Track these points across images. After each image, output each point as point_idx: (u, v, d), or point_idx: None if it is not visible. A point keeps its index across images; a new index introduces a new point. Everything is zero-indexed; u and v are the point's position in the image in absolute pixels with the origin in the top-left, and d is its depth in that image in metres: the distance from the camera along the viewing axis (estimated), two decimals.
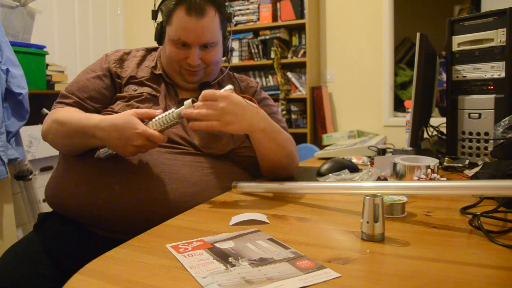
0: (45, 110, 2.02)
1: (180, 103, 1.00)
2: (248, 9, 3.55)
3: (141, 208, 0.85)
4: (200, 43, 1.00)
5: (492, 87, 1.18)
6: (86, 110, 1.00)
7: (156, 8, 1.04)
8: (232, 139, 1.01)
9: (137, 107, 0.98)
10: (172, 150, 0.94)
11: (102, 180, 0.88)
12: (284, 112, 3.41)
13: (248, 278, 0.49)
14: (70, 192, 0.90)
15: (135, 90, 1.02)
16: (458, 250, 0.57)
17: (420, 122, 1.25)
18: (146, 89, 1.03)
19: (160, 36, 1.06)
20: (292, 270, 0.51)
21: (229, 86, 0.88)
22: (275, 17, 3.48)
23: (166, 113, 0.85)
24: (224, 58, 1.12)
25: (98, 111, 1.01)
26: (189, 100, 0.85)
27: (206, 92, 0.84)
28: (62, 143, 0.97)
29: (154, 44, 1.12)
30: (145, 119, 0.86)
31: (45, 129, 0.99)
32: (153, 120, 0.85)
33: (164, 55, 1.06)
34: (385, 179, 0.99)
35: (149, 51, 1.14)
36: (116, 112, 0.95)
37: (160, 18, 1.04)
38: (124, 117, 0.84)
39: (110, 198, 0.85)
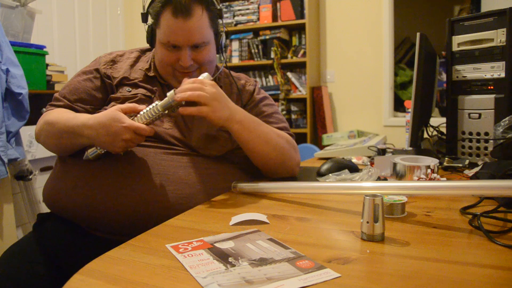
0: (45, 110, 2.02)
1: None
2: (248, 9, 3.55)
3: (138, 210, 0.85)
4: (190, 44, 0.98)
5: (492, 87, 1.18)
6: (77, 112, 1.00)
7: (145, 10, 1.03)
8: (230, 140, 1.01)
9: None
10: (168, 151, 0.94)
11: (98, 182, 0.88)
12: (284, 112, 3.41)
13: (248, 278, 0.49)
14: (67, 194, 0.90)
15: (129, 92, 1.02)
16: (458, 250, 0.57)
17: (420, 122, 1.25)
18: (140, 90, 1.02)
19: (151, 39, 1.05)
20: (292, 270, 0.51)
21: (206, 74, 0.93)
22: (275, 17, 3.47)
23: (151, 106, 0.88)
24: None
25: (89, 113, 1.00)
26: (172, 91, 0.87)
27: (192, 79, 0.89)
28: (53, 143, 0.98)
29: None
30: (130, 114, 0.88)
31: (38, 130, 1.02)
32: (139, 114, 0.88)
33: (157, 57, 1.05)
34: (385, 179, 0.99)
35: (143, 51, 1.14)
36: None
37: (150, 20, 1.04)
38: (110, 113, 0.85)
39: (107, 200, 0.85)
